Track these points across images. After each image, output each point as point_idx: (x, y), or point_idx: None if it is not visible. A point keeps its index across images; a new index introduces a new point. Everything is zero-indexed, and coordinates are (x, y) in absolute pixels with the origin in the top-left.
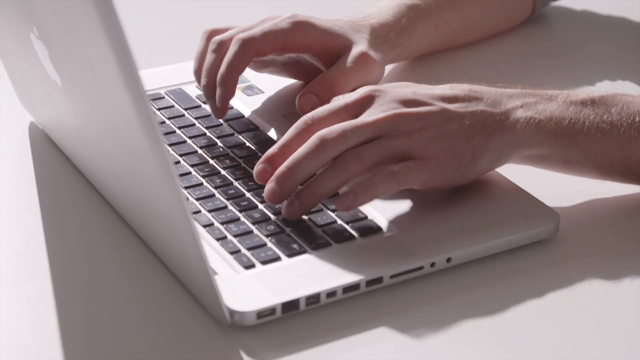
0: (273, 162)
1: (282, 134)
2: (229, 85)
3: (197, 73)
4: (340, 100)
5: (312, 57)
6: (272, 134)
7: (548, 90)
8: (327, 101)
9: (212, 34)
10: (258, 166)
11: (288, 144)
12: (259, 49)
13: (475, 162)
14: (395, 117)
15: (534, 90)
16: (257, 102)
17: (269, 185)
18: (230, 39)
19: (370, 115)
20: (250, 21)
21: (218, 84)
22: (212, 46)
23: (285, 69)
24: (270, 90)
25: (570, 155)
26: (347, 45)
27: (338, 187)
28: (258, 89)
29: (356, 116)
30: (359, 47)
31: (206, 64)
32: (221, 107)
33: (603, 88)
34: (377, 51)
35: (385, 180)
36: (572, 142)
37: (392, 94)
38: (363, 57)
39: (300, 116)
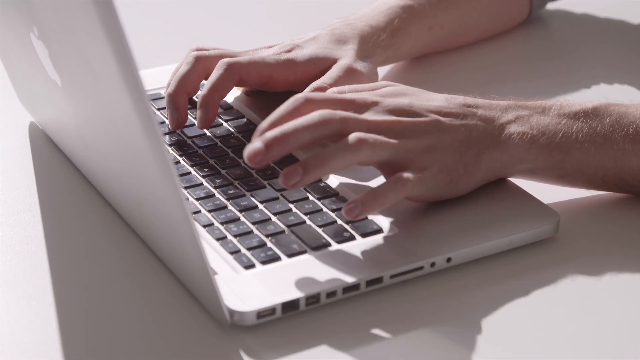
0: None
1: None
2: (211, 107)
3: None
4: (337, 94)
5: (299, 90)
6: None
7: (540, 101)
8: None
9: (196, 51)
10: (252, 139)
11: (278, 120)
12: (243, 76)
13: (468, 178)
14: (391, 124)
15: (526, 101)
16: (257, 102)
17: (254, 144)
18: (211, 57)
19: (371, 116)
20: (248, 21)
21: (199, 105)
22: (188, 59)
23: None
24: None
25: (563, 170)
26: (332, 64)
27: (344, 167)
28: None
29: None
30: (344, 60)
31: (178, 73)
32: (201, 128)
33: (600, 90)
34: (368, 58)
35: (394, 188)
36: (566, 157)
37: (389, 103)
38: (349, 69)
39: None
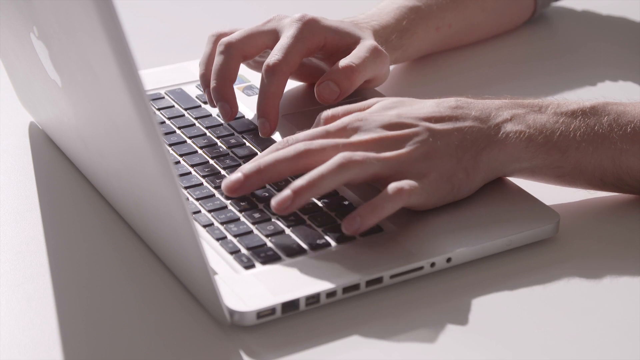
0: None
1: (282, 134)
2: (272, 116)
3: (205, 77)
4: (321, 127)
5: (320, 58)
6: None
7: (537, 99)
8: (346, 89)
9: (219, 37)
10: (231, 175)
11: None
12: (290, 69)
13: (470, 181)
14: (380, 140)
15: (522, 100)
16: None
17: (234, 175)
18: (241, 40)
19: (354, 138)
20: (249, 21)
21: (261, 116)
22: (220, 48)
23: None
24: None
25: (561, 169)
26: (356, 41)
27: (333, 188)
28: (258, 89)
29: None
30: (370, 40)
31: (215, 65)
32: (229, 120)
33: (604, 87)
34: None
35: (391, 198)
36: (563, 156)
37: (376, 119)
38: (376, 48)
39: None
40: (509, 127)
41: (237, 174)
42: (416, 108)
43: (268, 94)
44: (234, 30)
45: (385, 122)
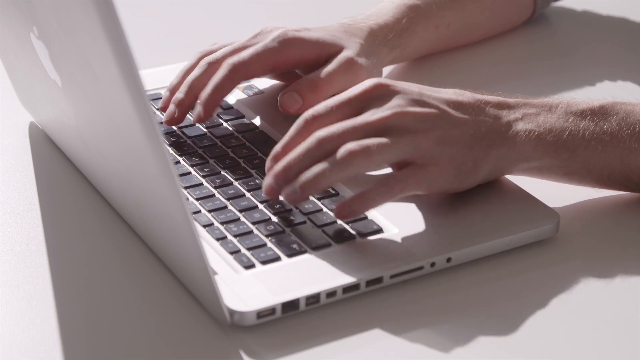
0: (276, 161)
1: (282, 135)
2: (209, 106)
3: (175, 87)
4: (343, 95)
5: (302, 71)
6: (272, 134)
7: (547, 99)
8: (310, 101)
9: (204, 55)
10: (267, 164)
11: (289, 143)
12: (248, 73)
13: (475, 172)
14: (399, 116)
15: (533, 100)
16: (257, 102)
17: (266, 181)
18: (219, 61)
19: (373, 115)
20: (248, 21)
21: (200, 102)
22: (202, 63)
23: (279, 76)
24: (270, 90)
25: (570, 167)
26: (338, 51)
27: (341, 180)
28: (258, 88)
29: (359, 111)
30: (347, 52)
31: (190, 77)
32: (195, 122)
33: (604, 88)
34: (375, 56)
35: (381, 192)
36: (572, 155)
37: (399, 90)
38: (348, 61)
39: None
40: (520, 126)
41: (269, 180)
42: (436, 91)
43: (214, 87)
44: (222, 46)
45: (408, 97)
